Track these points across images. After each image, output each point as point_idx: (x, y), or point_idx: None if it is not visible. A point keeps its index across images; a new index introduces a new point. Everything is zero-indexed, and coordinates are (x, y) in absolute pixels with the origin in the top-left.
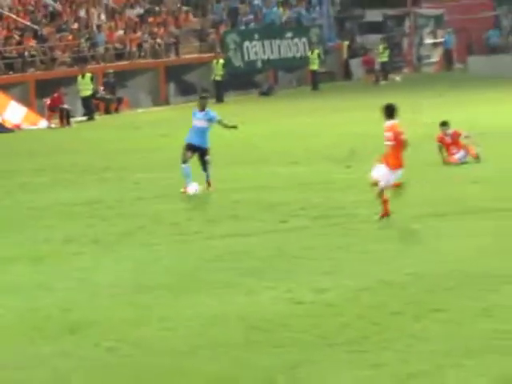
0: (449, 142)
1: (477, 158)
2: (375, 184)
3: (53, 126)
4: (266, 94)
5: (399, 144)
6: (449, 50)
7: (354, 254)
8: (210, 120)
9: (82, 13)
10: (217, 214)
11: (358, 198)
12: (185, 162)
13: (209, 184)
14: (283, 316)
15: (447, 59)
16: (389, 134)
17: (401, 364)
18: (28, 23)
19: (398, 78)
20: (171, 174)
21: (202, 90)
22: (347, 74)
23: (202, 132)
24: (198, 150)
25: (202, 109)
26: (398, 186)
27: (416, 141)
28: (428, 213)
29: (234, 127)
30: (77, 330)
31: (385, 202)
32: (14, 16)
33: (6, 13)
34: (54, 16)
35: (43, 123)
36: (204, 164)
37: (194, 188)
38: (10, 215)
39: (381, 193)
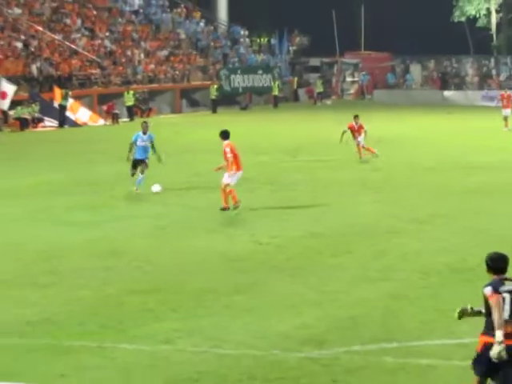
0: (355, 129)
1: (375, 154)
2: (226, 186)
3: (107, 123)
4: (244, 108)
5: (234, 156)
6: (362, 86)
7: (296, 212)
8: (151, 140)
9: (129, 52)
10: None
11: (299, 177)
12: (133, 175)
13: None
14: (249, 252)
15: (361, 91)
16: (227, 149)
17: (318, 284)
18: (94, 57)
19: (328, 102)
20: (181, 157)
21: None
22: (296, 98)
23: (144, 149)
24: (140, 162)
25: (145, 132)
26: None
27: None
28: (347, 189)
29: (160, 159)
30: (116, 254)
31: (226, 194)
32: (86, 53)
33: (81, 50)
34: (111, 53)
35: (101, 122)
36: (142, 171)
37: (157, 188)
38: (77, 180)
39: (225, 188)
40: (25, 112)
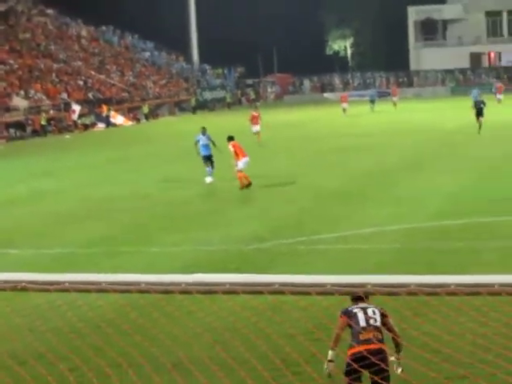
0: (255, 116)
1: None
2: (239, 172)
3: (133, 123)
4: (211, 110)
5: (238, 150)
6: (277, 93)
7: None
8: (210, 139)
9: (143, 82)
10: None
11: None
12: (207, 166)
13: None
14: (220, 193)
15: (280, 96)
16: (231, 149)
17: (257, 207)
18: (124, 86)
19: (258, 104)
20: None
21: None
22: (240, 103)
23: (207, 146)
24: (208, 157)
25: (204, 133)
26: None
27: (271, 130)
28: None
29: (220, 151)
30: (147, 197)
31: (240, 177)
32: (119, 84)
33: (116, 83)
34: (133, 84)
35: (130, 123)
36: (211, 164)
37: (209, 179)
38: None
39: (239, 174)
40: (86, 120)
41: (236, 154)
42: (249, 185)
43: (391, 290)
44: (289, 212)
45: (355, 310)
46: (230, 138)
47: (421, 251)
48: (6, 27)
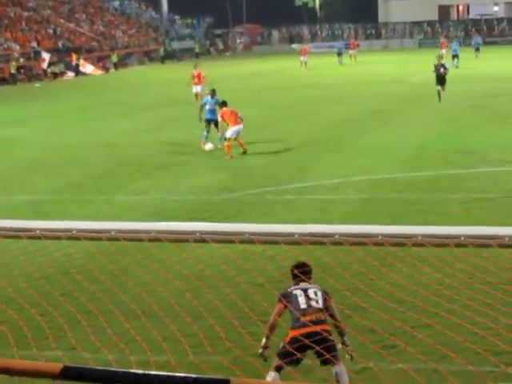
0: (195, 75)
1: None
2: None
3: (102, 72)
4: (180, 60)
5: (228, 117)
6: (245, 44)
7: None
8: (217, 103)
9: (113, 32)
10: None
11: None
12: (207, 132)
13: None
14: (189, 147)
15: (248, 46)
16: (219, 117)
17: (223, 160)
18: (93, 35)
19: (228, 54)
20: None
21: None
22: (209, 53)
23: (213, 111)
24: (211, 121)
25: (213, 97)
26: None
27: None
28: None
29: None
30: (114, 145)
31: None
32: (89, 33)
33: (86, 32)
34: (103, 33)
35: (99, 72)
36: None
37: (209, 146)
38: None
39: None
40: (55, 69)
41: (225, 122)
42: (244, 153)
43: (358, 240)
44: (257, 163)
45: (295, 292)
46: (222, 104)
47: (387, 202)
48: None
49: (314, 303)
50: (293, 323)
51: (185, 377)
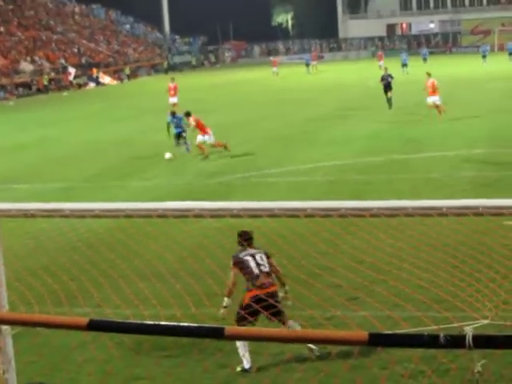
0: (171, 87)
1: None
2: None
3: (118, 82)
4: (180, 71)
5: (199, 125)
6: (234, 57)
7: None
8: (179, 119)
9: (125, 50)
10: None
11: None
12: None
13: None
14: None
15: (235, 59)
16: (193, 123)
17: (204, 166)
18: (110, 53)
19: (218, 66)
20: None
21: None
22: (203, 65)
23: (178, 126)
24: (180, 133)
25: (174, 116)
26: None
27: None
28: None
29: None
30: (159, 141)
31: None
32: (106, 51)
33: (104, 51)
34: (117, 51)
35: (115, 82)
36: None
37: (168, 155)
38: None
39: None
40: (80, 80)
41: (199, 128)
42: (225, 148)
43: (327, 213)
44: (243, 151)
45: (246, 258)
46: (187, 114)
47: (349, 182)
48: (14, 6)
49: (263, 268)
50: (249, 285)
51: (188, 326)
